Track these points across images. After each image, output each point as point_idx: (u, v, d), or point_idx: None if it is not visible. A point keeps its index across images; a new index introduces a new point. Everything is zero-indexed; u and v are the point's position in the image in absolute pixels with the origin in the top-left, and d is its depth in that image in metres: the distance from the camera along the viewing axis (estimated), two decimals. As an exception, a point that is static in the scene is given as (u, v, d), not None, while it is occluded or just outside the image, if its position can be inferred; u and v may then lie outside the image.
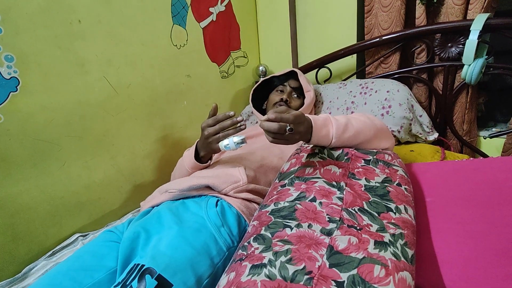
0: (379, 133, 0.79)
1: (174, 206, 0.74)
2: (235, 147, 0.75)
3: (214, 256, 0.63)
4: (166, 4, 1.17)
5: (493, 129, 1.30)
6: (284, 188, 0.66)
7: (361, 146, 0.76)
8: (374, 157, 0.72)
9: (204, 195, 0.78)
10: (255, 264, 0.48)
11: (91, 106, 0.96)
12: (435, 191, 0.75)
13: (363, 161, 0.70)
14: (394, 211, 0.58)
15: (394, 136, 1.13)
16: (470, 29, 1.02)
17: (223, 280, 0.50)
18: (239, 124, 0.77)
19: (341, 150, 0.73)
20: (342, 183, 0.63)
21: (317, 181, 0.64)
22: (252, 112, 1.31)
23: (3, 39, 0.76)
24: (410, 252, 0.51)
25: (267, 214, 0.59)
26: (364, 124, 0.77)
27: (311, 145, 0.76)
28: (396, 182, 0.66)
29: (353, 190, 0.61)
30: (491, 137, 1.17)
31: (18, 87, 0.80)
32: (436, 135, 1.17)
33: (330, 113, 1.24)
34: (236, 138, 0.75)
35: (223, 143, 0.77)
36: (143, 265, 0.55)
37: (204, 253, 0.62)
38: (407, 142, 1.18)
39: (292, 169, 0.71)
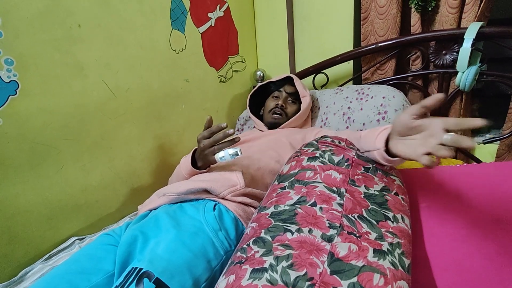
0: None
1: (171, 210, 0.74)
2: (230, 158, 0.78)
3: (211, 259, 0.63)
4: (165, 9, 1.18)
5: (487, 135, 1.31)
6: (284, 190, 0.65)
7: None
8: (374, 165, 0.72)
9: (202, 199, 0.78)
10: (256, 268, 0.47)
11: (89, 109, 0.96)
12: (430, 196, 0.75)
13: (363, 168, 0.70)
14: (392, 220, 0.58)
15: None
16: (464, 37, 1.04)
17: (222, 283, 0.49)
18: (232, 137, 0.79)
19: (342, 156, 0.72)
20: (343, 189, 0.62)
21: (317, 186, 0.63)
22: (249, 117, 1.32)
23: (3, 42, 0.77)
24: (407, 262, 0.51)
25: (267, 216, 0.59)
26: None
27: (312, 149, 0.77)
28: (394, 191, 0.66)
29: (353, 196, 0.61)
30: (484, 143, 1.19)
31: (17, 91, 0.80)
32: (431, 140, 1.18)
33: (326, 118, 1.25)
34: (231, 150, 0.77)
35: (218, 155, 0.79)
36: (141, 269, 0.55)
37: (201, 256, 0.62)
38: (403, 148, 1.19)
39: (292, 171, 0.71)
